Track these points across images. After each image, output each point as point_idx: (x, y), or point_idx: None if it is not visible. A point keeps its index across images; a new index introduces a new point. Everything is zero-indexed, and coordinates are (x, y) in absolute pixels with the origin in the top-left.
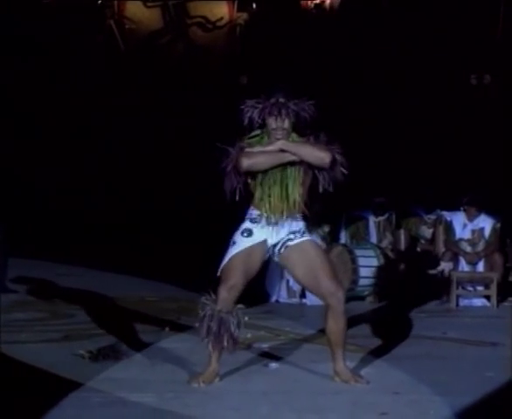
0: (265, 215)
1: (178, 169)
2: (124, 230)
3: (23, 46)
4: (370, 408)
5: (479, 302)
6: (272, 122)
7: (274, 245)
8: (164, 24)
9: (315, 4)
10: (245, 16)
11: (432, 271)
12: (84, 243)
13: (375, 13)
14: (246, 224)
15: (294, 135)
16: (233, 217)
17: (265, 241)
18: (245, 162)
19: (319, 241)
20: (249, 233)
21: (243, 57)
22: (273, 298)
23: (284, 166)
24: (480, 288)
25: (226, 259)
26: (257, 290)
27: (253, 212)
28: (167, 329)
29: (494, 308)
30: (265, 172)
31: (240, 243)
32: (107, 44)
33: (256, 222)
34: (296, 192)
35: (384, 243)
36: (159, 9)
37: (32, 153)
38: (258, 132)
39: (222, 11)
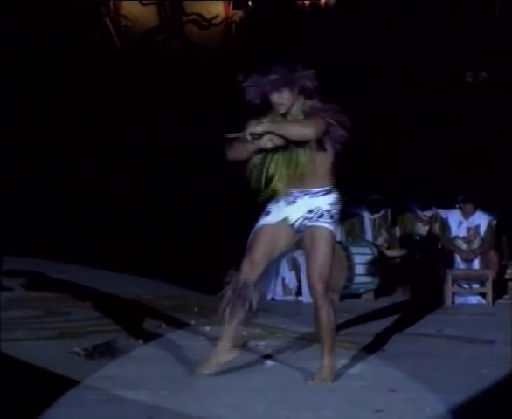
0: (280, 193)
1: (175, 166)
2: (120, 227)
3: (18, 44)
4: (366, 406)
5: (474, 300)
6: (271, 98)
7: (294, 223)
8: (160, 22)
9: (311, 2)
10: (240, 13)
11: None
12: (79, 241)
13: (370, 11)
14: (269, 205)
15: (306, 102)
16: (230, 216)
17: (285, 219)
18: (228, 155)
19: (332, 227)
20: (267, 212)
21: (239, 54)
22: (269, 296)
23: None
24: (475, 286)
25: (250, 235)
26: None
27: None
28: (163, 326)
29: (489, 306)
30: (269, 153)
31: (261, 221)
32: (103, 41)
33: (276, 202)
34: (303, 164)
35: (380, 241)
36: (155, 6)
37: (29, 150)
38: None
39: (218, 9)
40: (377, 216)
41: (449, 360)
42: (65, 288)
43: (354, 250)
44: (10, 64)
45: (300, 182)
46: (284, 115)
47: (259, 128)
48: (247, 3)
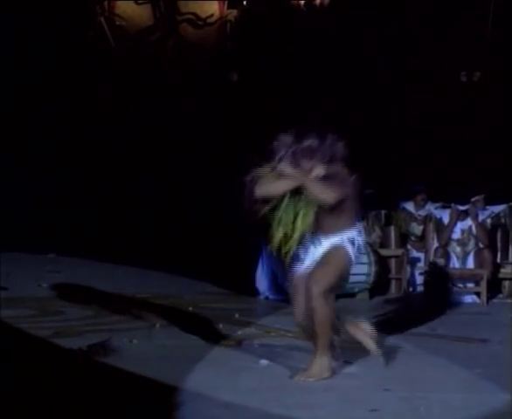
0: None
1: (170, 164)
2: (116, 225)
3: (11, 43)
4: (360, 405)
5: (469, 299)
6: (302, 164)
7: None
8: (155, 21)
9: (306, 2)
10: (235, 12)
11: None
12: (74, 240)
13: (365, 11)
14: (299, 252)
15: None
16: (225, 215)
17: (315, 260)
18: (257, 191)
19: (346, 246)
20: (302, 261)
21: (233, 53)
22: (264, 295)
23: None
24: (470, 285)
25: (291, 286)
26: (247, 287)
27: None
28: (157, 325)
29: (483, 305)
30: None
31: (297, 270)
32: (98, 40)
33: (305, 248)
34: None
35: (373, 237)
36: (149, 6)
37: (24, 147)
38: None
39: (212, 8)
40: (370, 214)
41: (443, 359)
42: (59, 287)
43: None
44: (4, 62)
45: (322, 228)
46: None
47: (288, 170)
48: (242, 3)
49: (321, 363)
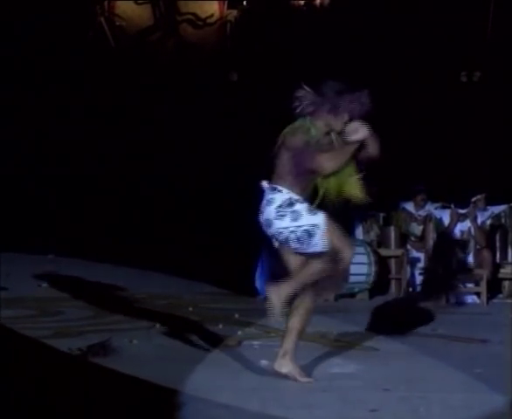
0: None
1: (170, 164)
2: (115, 226)
3: (10, 43)
4: (360, 405)
5: (469, 299)
6: (326, 118)
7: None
8: (154, 21)
9: (306, 2)
10: (235, 13)
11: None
12: (74, 240)
13: (365, 11)
14: None
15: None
16: (226, 214)
17: None
18: (329, 166)
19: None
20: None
21: (233, 54)
22: (263, 296)
23: None
24: (470, 285)
25: None
26: (246, 287)
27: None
28: (157, 326)
29: (483, 305)
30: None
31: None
32: (98, 41)
33: None
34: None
35: (372, 235)
36: (149, 6)
37: (19, 148)
38: (302, 121)
39: (212, 8)
40: (368, 214)
41: (443, 359)
42: (59, 287)
43: None
44: (3, 62)
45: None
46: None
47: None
48: (242, 3)
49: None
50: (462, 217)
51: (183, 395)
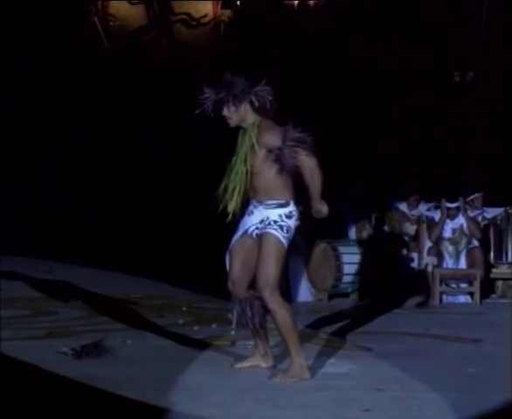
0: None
1: (162, 165)
2: (108, 226)
3: (4, 42)
4: (354, 405)
5: (462, 299)
6: (222, 112)
7: (250, 232)
8: (148, 21)
9: (299, 2)
10: (229, 13)
11: (415, 266)
12: (67, 240)
13: (359, 11)
14: (239, 221)
15: (257, 118)
16: (217, 214)
17: (246, 230)
18: None
19: (278, 234)
20: (237, 229)
21: (227, 54)
22: None
23: (245, 154)
24: (463, 285)
25: (227, 254)
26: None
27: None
28: (150, 325)
29: (477, 305)
30: (232, 165)
31: (232, 240)
32: (91, 40)
33: (242, 216)
34: (259, 178)
35: (364, 235)
36: (143, 6)
37: (13, 150)
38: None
39: (206, 8)
40: (360, 214)
41: (436, 358)
42: (52, 288)
43: (342, 249)
44: None
45: (255, 193)
46: (243, 129)
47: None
48: (236, 3)
49: (300, 363)
50: (453, 212)
51: (176, 394)
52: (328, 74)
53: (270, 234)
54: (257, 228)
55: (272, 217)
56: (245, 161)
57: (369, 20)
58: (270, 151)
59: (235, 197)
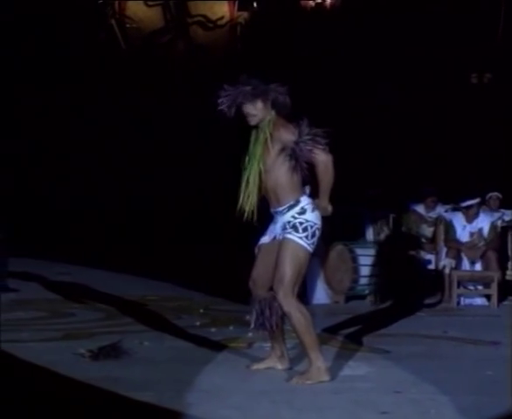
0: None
1: (176, 166)
2: (125, 229)
3: (23, 44)
4: (371, 407)
5: (478, 301)
6: (244, 109)
7: (275, 237)
8: (165, 23)
9: (316, 3)
10: (245, 15)
11: (432, 268)
12: (85, 243)
13: (375, 11)
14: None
15: (273, 116)
16: (233, 219)
17: (274, 238)
18: None
19: (298, 238)
20: (265, 232)
21: (244, 55)
22: None
23: (259, 151)
24: (480, 287)
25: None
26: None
27: None
28: (168, 327)
29: (494, 307)
30: (245, 165)
31: (260, 241)
32: (109, 42)
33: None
34: (270, 176)
35: (382, 237)
36: (160, 8)
37: (34, 152)
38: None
39: (223, 10)
40: (378, 215)
41: (454, 361)
42: (69, 289)
43: (359, 251)
44: (14, 63)
45: (268, 196)
46: (256, 127)
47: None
48: (252, 5)
49: (318, 366)
50: (474, 210)
51: (193, 396)
52: (345, 75)
53: (286, 238)
54: (280, 234)
55: (286, 221)
56: (259, 158)
57: (386, 21)
58: (284, 147)
59: (250, 198)
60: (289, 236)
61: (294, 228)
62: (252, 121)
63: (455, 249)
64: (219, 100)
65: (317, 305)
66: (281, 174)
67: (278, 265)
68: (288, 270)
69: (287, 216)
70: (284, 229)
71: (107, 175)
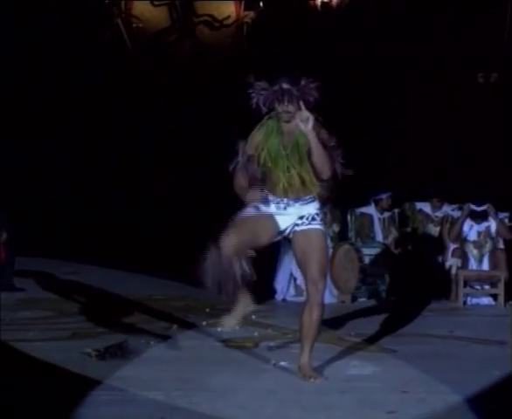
0: (277, 198)
1: (183, 166)
2: (132, 228)
3: (30, 44)
4: (378, 407)
5: (485, 301)
6: (278, 107)
7: (284, 230)
8: (171, 23)
9: (322, 3)
10: (252, 14)
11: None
12: (91, 242)
13: (382, 11)
14: (259, 204)
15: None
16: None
17: (275, 224)
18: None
19: (323, 228)
20: (257, 207)
21: (250, 55)
22: (281, 297)
23: (292, 151)
24: (487, 287)
25: (236, 218)
26: (265, 287)
27: (268, 196)
28: (174, 327)
29: (501, 307)
30: (273, 158)
31: (248, 211)
32: (115, 42)
33: (266, 204)
34: (304, 175)
35: (390, 239)
36: (166, 7)
37: (38, 151)
38: (272, 114)
39: (229, 10)
40: (386, 215)
41: (461, 360)
42: (76, 289)
43: (365, 250)
44: (20, 64)
45: (293, 191)
46: (287, 122)
47: (310, 123)
48: (259, 4)
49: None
50: (480, 216)
51: (200, 396)
52: (352, 75)
53: (318, 229)
54: (296, 224)
55: (313, 212)
56: (302, 161)
57: (393, 21)
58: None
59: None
60: (321, 227)
61: (323, 221)
62: (287, 118)
63: (461, 248)
64: (254, 95)
65: (324, 305)
66: (309, 170)
67: (314, 256)
68: (325, 260)
69: (312, 208)
70: (312, 219)
71: (113, 174)
